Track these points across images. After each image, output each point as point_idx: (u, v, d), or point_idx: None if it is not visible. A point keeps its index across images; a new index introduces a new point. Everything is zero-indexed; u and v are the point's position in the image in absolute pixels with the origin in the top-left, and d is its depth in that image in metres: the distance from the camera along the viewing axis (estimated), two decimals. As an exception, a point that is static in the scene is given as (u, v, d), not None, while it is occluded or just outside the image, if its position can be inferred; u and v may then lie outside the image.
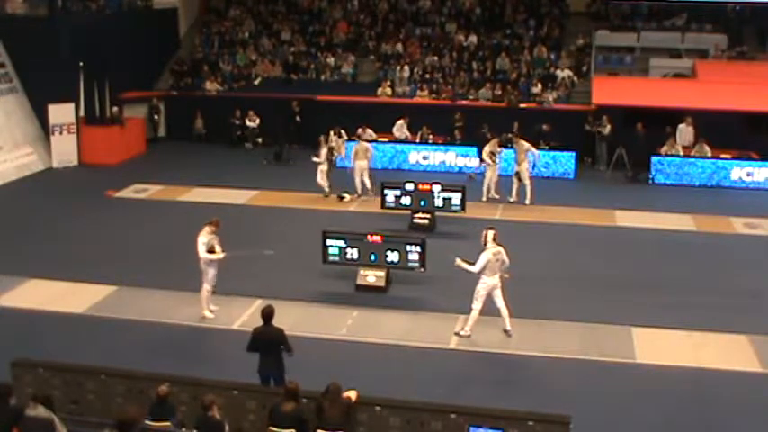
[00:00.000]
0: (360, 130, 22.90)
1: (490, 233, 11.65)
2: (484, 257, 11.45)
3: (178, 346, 11.69)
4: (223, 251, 12.20)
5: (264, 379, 9.27)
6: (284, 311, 10.42)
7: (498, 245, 11.57)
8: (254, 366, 9.36)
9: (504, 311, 11.75)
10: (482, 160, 19.25)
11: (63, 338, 11.69)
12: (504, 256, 11.57)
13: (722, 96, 21.64)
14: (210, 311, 12.50)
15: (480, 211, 17.46)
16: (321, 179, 19.08)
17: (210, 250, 12.12)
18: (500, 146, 19.34)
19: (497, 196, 19.01)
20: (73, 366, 9.28)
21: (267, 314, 9.37)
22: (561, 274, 14.38)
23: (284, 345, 9.31)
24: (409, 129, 22.96)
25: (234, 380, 8.84)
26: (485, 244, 11.56)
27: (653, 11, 26.08)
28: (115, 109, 23.43)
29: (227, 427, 7.92)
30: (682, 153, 21.21)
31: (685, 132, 21.61)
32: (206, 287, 12.35)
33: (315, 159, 19.15)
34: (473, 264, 11.50)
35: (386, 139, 22.78)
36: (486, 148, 19.07)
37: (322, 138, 19.57)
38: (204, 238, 12.11)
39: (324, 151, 19.08)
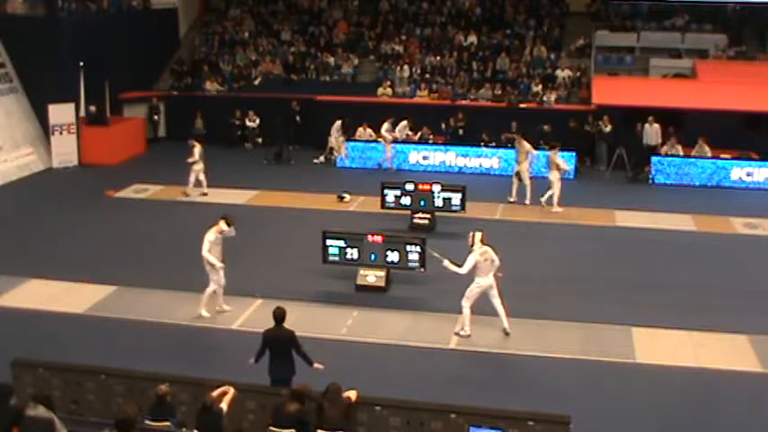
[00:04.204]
0: (360, 130, 23.02)
1: (478, 234, 11.74)
2: (471, 259, 11.51)
3: (178, 346, 11.69)
4: (223, 261, 12.22)
5: (275, 381, 9.24)
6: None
7: (486, 245, 11.61)
8: (254, 367, 9.36)
9: (501, 311, 11.75)
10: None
11: (63, 338, 11.68)
12: (493, 255, 11.59)
13: (722, 96, 21.62)
14: (207, 311, 12.51)
15: (480, 210, 17.44)
16: (193, 177, 19.25)
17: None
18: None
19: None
20: (73, 366, 9.28)
21: (279, 316, 9.34)
22: (561, 274, 14.38)
23: (296, 348, 9.30)
24: (411, 129, 22.96)
25: (234, 380, 8.83)
26: (472, 245, 11.63)
27: (653, 11, 26.07)
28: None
29: (225, 409, 7.91)
30: (682, 153, 21.23)
31: (651, 132, 21.55)
32: (213, 286, 12.34)
33: (189, 160, 19.18)
34: (461, 266, 11.55)
35: (385, 139, 22.81)
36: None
37: (192, 141, 19.60)
38: (212, 236, 12.14)
39: (197, 151, 19.13)
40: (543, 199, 18.28)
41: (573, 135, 21.75)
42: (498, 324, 11.84)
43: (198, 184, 19.42)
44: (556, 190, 18.16)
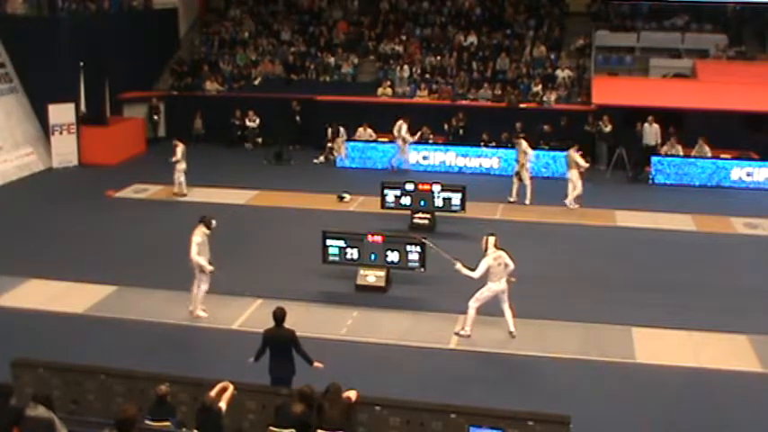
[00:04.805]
0: (360, 130, 23.02)
1: (491, 239, 11.63)
2: (484, 263, 11.43)
3: (178, 346, 11.69)
4: (211, 263, 12.20)
5: (276, 380, 9.24)
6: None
7: (499, 249, 11.57)
8: (254, 367, 9.36)
9: (509, 316, 11.75)
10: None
11: (63, 338, 11.67)
12: (507, 260, 11.54)
13: (722, 96, 21.63)
14: (203, 311, 12.52)
15: (480, 211, 17.44)
16: (178, 177, 19.31)
17: None
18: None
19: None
20: (73, 366, 9.29)
21: (280, 316, 9.34)
22: (561, 274, 14.38)
23: (297, 348, 9.30)
24: (409, 129, 22.90)
25: (234, 380, 8.82)
26: (485, 250, 11.55)
27: (653, 11, 26.09)
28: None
29: (224, 408, 7.90)
30: (682, 153, 21.23)
31: (650, 132, 21.53)
32: (205, 285, 12.32)
33: (172, 159, 19.22)
34: (474, 269, 11.50)
35: (386, 139, 22.78)
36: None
37: (175, 140, 19.64)
38: (198, 238, 12.10)
39: (180, 150, 19.16)
40: (569, 201, 18.36)
41: (566, 133, 21.75)
42: (498, 324, 11.83)
43: (174, 182, 19.41)
44: (578, 188, 18.33)
